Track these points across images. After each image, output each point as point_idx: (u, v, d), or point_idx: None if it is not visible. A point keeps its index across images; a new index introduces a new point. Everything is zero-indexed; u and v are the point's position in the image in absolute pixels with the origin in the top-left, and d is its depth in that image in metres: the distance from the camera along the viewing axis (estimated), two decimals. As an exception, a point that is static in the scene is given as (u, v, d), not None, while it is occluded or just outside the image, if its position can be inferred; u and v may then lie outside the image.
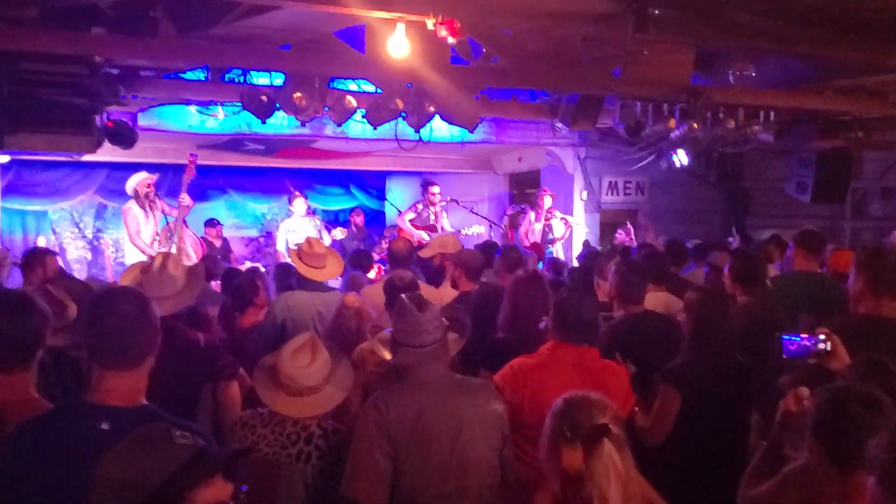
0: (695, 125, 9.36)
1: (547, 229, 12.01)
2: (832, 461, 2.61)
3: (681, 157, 11.48)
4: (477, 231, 11.74)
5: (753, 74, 8.02)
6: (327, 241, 11.16)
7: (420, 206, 11.92)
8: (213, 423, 4.42)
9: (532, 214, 12.15)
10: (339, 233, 11.94)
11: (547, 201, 12.06)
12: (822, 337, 3.33)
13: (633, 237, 11.58)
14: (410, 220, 11.78)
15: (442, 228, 11.77)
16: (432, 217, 11.88)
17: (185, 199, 9.60)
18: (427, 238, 11.16)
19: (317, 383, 3.70)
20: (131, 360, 2.78)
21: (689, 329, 4.65)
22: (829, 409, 2.67)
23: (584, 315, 4.25)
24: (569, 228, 12.25)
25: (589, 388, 2.98)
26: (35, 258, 6.91)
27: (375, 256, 9.79)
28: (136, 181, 9.74)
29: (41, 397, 3.11)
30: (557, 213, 12.18)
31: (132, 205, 9.76)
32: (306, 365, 3.69)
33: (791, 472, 2.85)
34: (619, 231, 11.90)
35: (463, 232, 11.50)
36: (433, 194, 11.87)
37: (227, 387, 4.52)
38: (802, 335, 3.36)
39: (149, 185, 9.73)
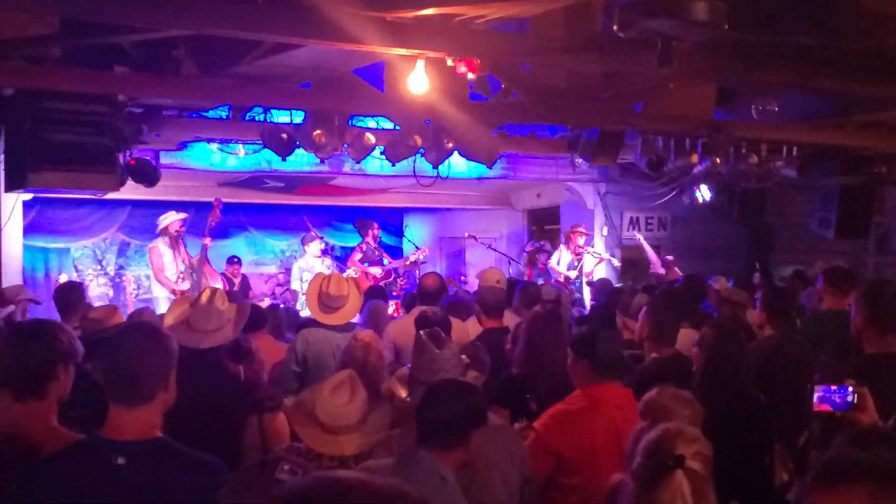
0: (717, 160, 9.30)
1: (575, 264, 11.95)
2: None
3: (703, 193, 11.44)
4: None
5: (776, 109, 7.97)
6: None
7: (364, 246, 12.68)
8: (262, 454, 4.38)
9: (562, 250, 12.09)
10: (352, 272, 11.97)
11: (580, 239, 12.01)
12: (850, 389, 3.26)
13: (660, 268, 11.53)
14: (360, 260, 12.50)
15: (390, 261, 12.79)
16: (377, 253, 12.73)
17: (207, 240, 9.93)
18: (379, 273, 12.36)
19: (354, 422, 3.64)
20: (141, 396, 2.80)
21: (700, 366, 4.55)
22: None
23: (617, 351, 4.22)
24: (599, 262, 12.16)
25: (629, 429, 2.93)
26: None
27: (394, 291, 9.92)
28: (168, 220, 9.94)
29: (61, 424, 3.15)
30: (589, 249, 12.11)
31: (158, 243, 9.98)
32: (345, 403, 3.63)
33: None
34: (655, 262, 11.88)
35: (411, 258, 12.67)
36: (377, 229, 12.93)
37: (273, 419, 4.50)
38: (832, 387, 3.30)
39: (180, 226, 9.91)
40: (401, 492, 1.41)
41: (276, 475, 2.51)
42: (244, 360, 4.94)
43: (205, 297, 4.56)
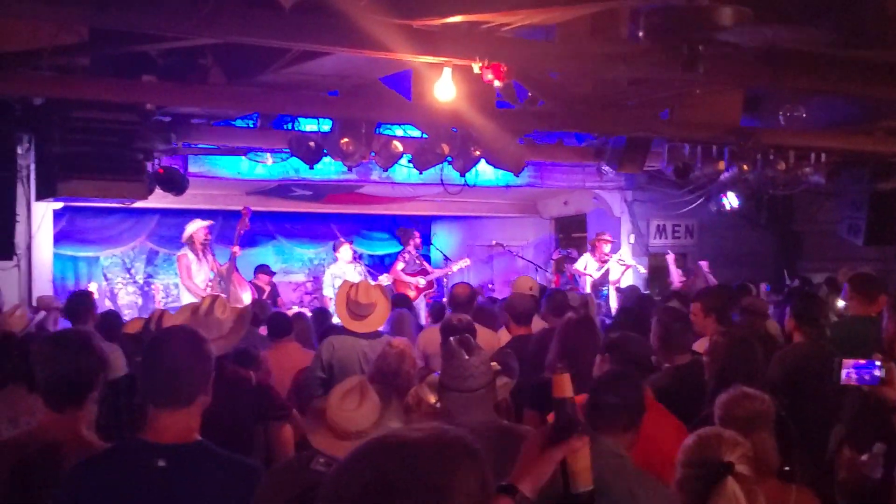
0: (745, 167, 9.25)
1: (603, 272, 11.93)
2: None
3: (731, 200, 11.37)
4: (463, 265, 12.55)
5: (804, 116, 7.91)
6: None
7: (407, 255, 12.58)
8: (266, 464, 4.40)
9: (588, 257, 12.08)
10: (384, 279, 11.99)
11: (606, 247, 11.99)
12: (878, 363, 3.23)
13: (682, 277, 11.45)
14: (402, 270, 12.40)
15: (432, 271, 12.79)
16: (418, 262, 12.64)
17: (236, 249, 9.99)
18: (422, 283, 12.30)
19: (364, 427, 3.63)
20: (183, 399, 2.80)
21: (713, 374, 4.41)
22: None
23: (644, 351, 4.27)
24: (626, 269, 12.12)
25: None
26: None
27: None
28: (193, 228, 9.97)
29: (93, 431, 3.18)
30: (615, 257, 12.08)
31: (187, 251, 10.00)
32: (354, 408, 3.63)
33: None
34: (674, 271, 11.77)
35: (454, 268, 12.56)
36: (417, 238, 12.86)
37: (280, 428, 4.53)
38: (860, 361, 3.26)
39: (206, 234, 9.96)
40: (439, 433, 1.51)
41: (313, 466, 2.53)
42: (252, 367, 4.96)
43: (204, 306, 4.56)
